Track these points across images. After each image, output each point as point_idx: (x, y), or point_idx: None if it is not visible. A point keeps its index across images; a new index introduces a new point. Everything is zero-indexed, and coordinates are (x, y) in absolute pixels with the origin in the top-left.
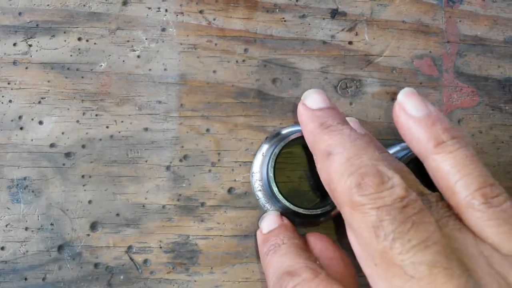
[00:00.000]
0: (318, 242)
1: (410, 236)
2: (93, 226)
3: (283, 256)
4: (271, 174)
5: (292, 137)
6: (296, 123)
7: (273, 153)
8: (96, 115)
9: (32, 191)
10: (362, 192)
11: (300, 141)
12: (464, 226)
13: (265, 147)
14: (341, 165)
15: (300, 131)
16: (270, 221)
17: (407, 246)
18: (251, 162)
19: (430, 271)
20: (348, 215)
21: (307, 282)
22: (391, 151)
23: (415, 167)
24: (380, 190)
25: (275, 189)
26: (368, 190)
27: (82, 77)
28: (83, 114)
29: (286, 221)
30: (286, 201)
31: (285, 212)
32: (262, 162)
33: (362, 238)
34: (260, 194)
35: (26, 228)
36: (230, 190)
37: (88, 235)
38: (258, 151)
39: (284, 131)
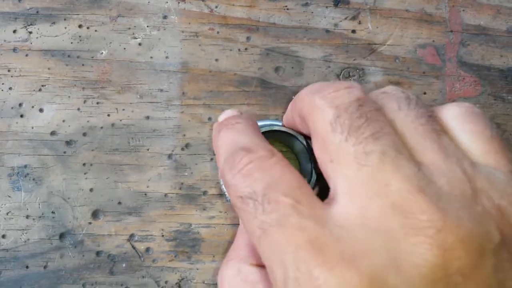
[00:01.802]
0: None
1: (363, 129)
2: (95, 214)
3: (238, 132)
4: None
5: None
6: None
7: None
8: (97, 103)
9: (33, 179)
10: (321, 94)
11: (272, 135)
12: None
13: None
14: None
15: (272, 125)
16: (227, 113)
17: (360, 138)
18: None
19: (380, 159)
20: (310, 119)
21: (263, 159)
22: None
23: None
24: (338, 89)
25: None
26: (327, 91)
27: (83, 65)
28: (84, 102)
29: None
30: None
31: None
32: None
33: (320, 136)
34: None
35: (27, 216)
36: None
37: (90, 223)
38: None
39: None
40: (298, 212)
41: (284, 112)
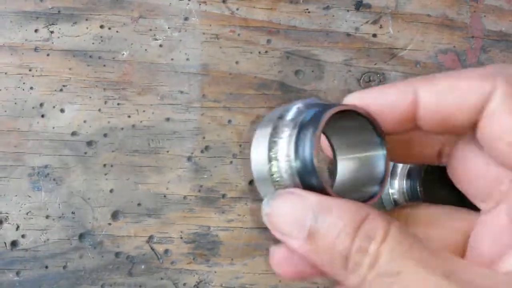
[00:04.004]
0: None
1: None
2: (115, 215)
3: None
4: (313, 161)
5: (338, 108)
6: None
7: (318, 126)
8: (118, 104)
9: (53, 179)
10: None
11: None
12: None
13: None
14: None
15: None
16: None
17: None
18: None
19: None
20: None
21: None
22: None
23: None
24: None
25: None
26: None
27: (104, 65)
28: (105, 102)
29: None
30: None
31: None
32: (296, 141)
33: None
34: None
35: (47, 216)
36: (251, 182)
37: (110, 224)
38: (279, 130)
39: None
40: None
41: None
